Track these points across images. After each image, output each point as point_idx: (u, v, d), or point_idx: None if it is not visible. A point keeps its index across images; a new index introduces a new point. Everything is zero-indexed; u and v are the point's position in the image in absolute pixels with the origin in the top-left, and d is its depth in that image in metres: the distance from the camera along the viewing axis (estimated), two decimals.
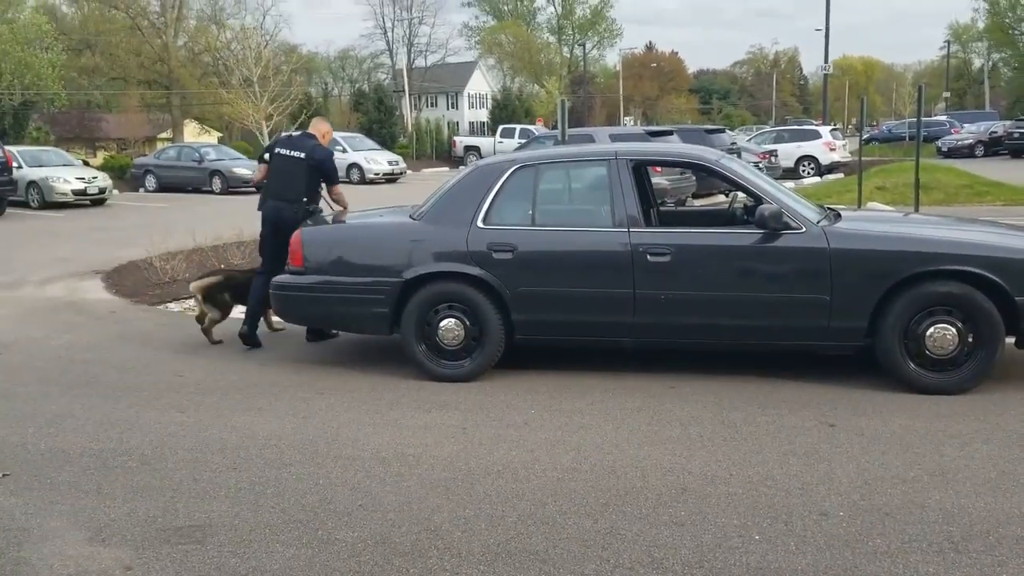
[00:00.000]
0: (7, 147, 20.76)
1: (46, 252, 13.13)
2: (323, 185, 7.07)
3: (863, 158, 17.49)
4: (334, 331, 7.10)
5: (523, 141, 29.01)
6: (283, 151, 6.90)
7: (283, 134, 7.31)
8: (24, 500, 4.08)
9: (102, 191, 21.75)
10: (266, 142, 14.91)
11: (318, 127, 7.14)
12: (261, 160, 7.14)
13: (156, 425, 5.13)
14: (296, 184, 6.80)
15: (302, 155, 6.81)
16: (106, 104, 45.12)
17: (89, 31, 42.65)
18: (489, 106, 56.54)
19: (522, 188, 5.97)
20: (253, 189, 6.97)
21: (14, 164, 20.25)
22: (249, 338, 6.92)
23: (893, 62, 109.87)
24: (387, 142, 39.39)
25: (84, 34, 42.76)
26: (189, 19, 46.78)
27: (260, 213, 6.97)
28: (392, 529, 3.69)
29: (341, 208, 7.19)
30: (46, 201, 20.87)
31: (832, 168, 26.73)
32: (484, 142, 40.60)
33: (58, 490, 4.19)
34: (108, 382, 6.09)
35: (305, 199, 6.82)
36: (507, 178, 5.97)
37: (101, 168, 26.79)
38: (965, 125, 38.19)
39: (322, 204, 7.12)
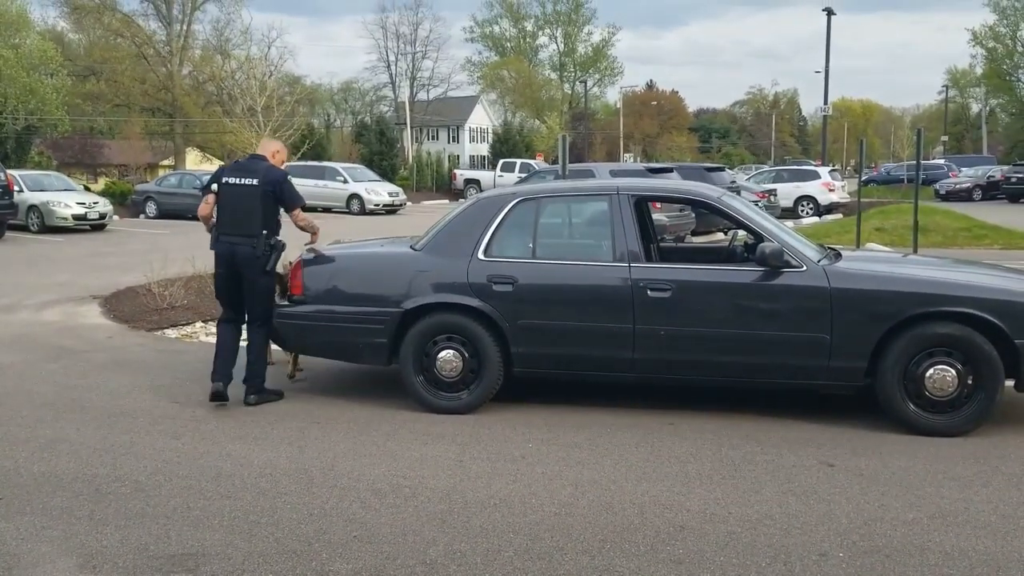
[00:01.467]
0: (9, 171, 20.82)
1: (44, 276, 13.11)
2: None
3: (862, 199, 17.57)
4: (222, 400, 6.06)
5: (523, 175, 29.16)
6: (232, 179, 6.01)
7: (236, 162, 6.41)
8: (15, 525, 4.04)
9: (102, 216, 21.81)
10: None
11: (268, 146, 6.31)
12: (207, 191, 6.13)
13: (151, 451, 5.09)
14: (252, 216, 5.93)
15: (254, 181, 5.94)
16: (109, 130, 45.37)
17: (94, 58, 43.01)
18: (490, 140, 56.96)
19: (523, 221, 5.99)
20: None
21: (15, 188, 20.31)
22: (263, 396, 6.15)
23: (892, 105, 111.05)
24: (388, 174, 39.58)
25: (89, 61, 43.12)
26: (194, 48, 47.24)
27: (213, 252, 6.11)
28: (387, 562, 3.65)
29: (312, 235, 6.30)
30: (46, 225, 20.92)
31: (831, 209, 26.84)
32: (484, 175, 40.84)
33: (50, 515, 4.15)
34: (103, 407, 6.05)
35: (265, 231, 5.94)
36: (508, 211, 5.98)
37: (102, 194, 26.87)
38: (963, 169, 38.46)
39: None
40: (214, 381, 6.01)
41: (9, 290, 11.62)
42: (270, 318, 6.17)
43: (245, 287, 6.03)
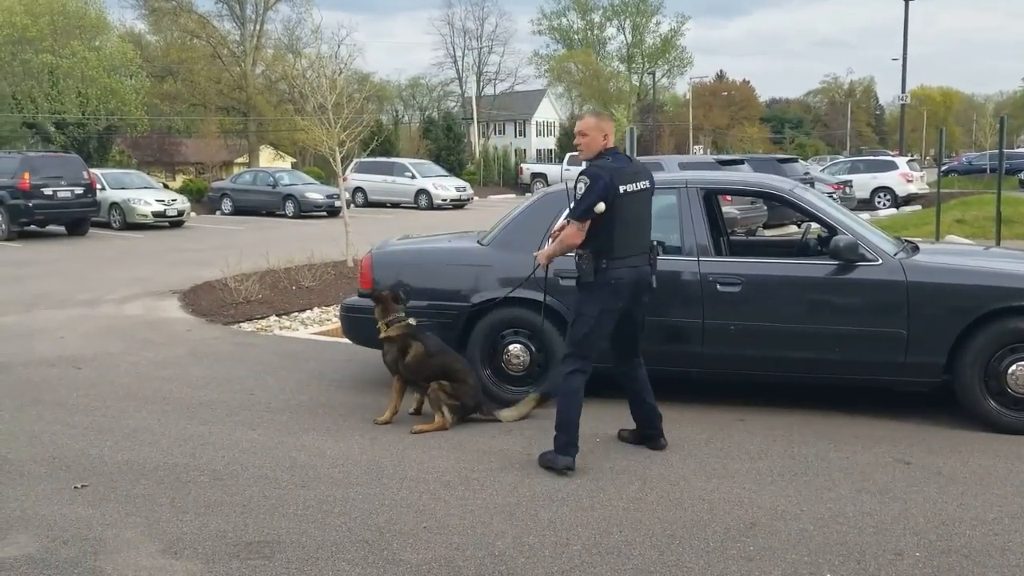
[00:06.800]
0: (92, 169, 21.57)
1: (125, 271, 13.56)
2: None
3: (941, 190, 17.03)
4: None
5: None
6: (631, 187, 4.63)
7: (607, 161, 4.65)
8: (100, 511, 4.20)
9: (180, 213, 22.44)
10: (339, 169, 14.70)
11: (606, 127, 4.72)
12: (591, 212, 4.53)
13: (228, 442, 5.23)
14: (648, 226, 4.88)
15: (646, 184, 4.79)
16: (186, 129, 46.58)
17: (171, 59, 44.12)
18: (557, 134, 56.81)
19: None
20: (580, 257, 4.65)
21: (98, 186, 21.03)
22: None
23: (973, 93, 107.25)
24: (455, 169, 39.85)
25: (167, 62, 44.23)
26: (267, 48, 48.18)
27: (600, 285, 4.65)
28: (456, 552, 3.69)
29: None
30: (127, 222, 21.63)
31: (909, 200, 26.13)
32: (551, 169, 40.71)
33: (133, 502, 4.30)
34: (182, 398, 6.24)
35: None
36: None
37: (180, 191, 27.64)
38: None
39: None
40: (572, 455, 4.67)
41: (92, 285, 12.05)
42: None
43: (638, 316, 4.92)
